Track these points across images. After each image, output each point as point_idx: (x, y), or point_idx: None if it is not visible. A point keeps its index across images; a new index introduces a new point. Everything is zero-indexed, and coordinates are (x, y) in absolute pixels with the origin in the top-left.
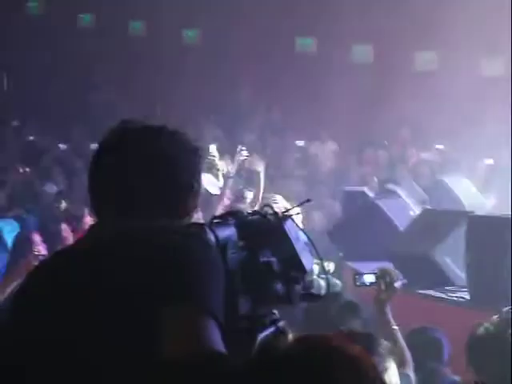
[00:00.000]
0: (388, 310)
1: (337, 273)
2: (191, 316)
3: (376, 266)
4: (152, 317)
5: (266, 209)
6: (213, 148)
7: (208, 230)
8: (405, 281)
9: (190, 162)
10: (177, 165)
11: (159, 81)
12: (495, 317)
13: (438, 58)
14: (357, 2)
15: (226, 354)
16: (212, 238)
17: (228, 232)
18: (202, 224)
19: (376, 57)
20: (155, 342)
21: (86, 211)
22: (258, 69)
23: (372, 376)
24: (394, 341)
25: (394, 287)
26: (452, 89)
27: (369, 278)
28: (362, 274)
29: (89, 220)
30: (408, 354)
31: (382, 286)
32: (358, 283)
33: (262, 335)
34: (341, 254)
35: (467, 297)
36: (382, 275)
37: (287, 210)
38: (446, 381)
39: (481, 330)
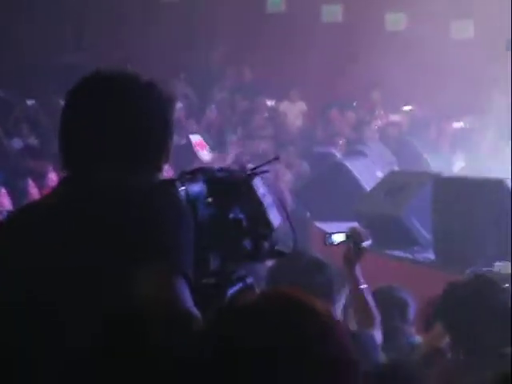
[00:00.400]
0: (357, 269)
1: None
2: (162, 274)
3: (342, 226)
4: (122, 275)
5: (235, 166)
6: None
7: (179, 186)
8: (370, 241)
9: (165, 115)
10: (151, 117)
11: (131, 38)
12: (468, 275)
13: (408, 20)
14: None
15: (194, 312)
16: (183, 193)
17: (198, 188)
18: (173, 179)
19: (345, 17)
20: (126, 301)
21: (51, 168)
22: (229, 27)
23: (335, 330)
24: (363, 300)
25: (363, 247)
26: (421, 50)
27: (338, 238)
28: (331, 234)
29: (53, 176)
30: (377, 313)
31: (350, 246)
32: (327, 243)
33: (230, 291)
34: (308, 214)
35: (433, 257)
36: (351, 235)
37: (255, 168)
38: (411, 340)
39: (455, 288)
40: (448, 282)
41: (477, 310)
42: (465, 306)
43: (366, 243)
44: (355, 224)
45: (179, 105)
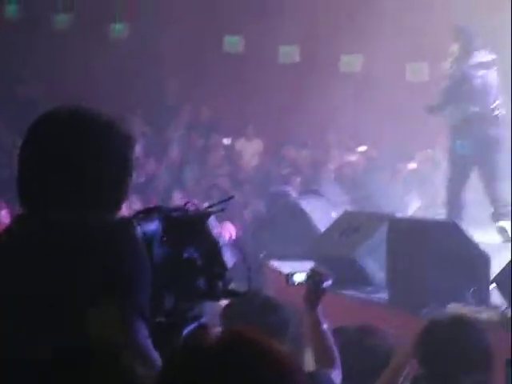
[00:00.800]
0: (319, 309)
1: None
2: (120, 313)
3: (297, 265)
4: (80, 314)
5: (189, 205)
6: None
7: (136, 225)
8: (331, 281)
9: (125, 153)
10: (111, 156)
11: (87, 75)
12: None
13: (365, 62)
14: (284, 2)
15: (152, 352)
16: (139, 232)
17: (153, 227)
18: (129, 218)
19: (302, 57)
20: (83, 339)
21: (3, 205)
22: (187, 65)
23: (292, 370)
24: (324, 340)
25: (323, 288)
26: (378, 92)
27: (299, 278)
28: (292, 274)
29: (5, 213)
30: (337, 354)
31: (311, 286)
32: (289, 283)
33: (185, 330)
34: (263, 253)
35: (387, 297)
36: (312, 275)
37: (210, 207)
38: None
39: (435, 328)
40: (428, 321)
41: (455, 351)
42: (443, 347)
43: (327, 283)
44: (310, 264)
45: (138, 143)
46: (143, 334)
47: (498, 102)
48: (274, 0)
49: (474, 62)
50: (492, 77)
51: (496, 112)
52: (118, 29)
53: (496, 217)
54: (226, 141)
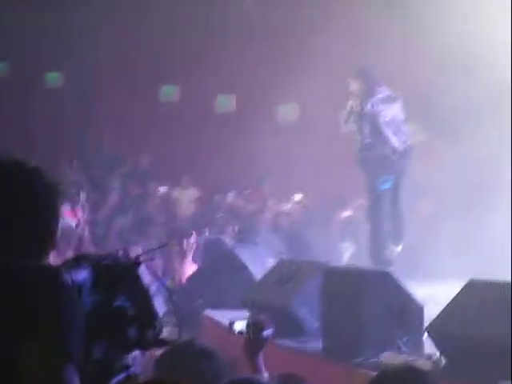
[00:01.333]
0: (259, 358)
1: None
2: (51, 360)
3: (232, 314)
4: (9, 359)
5: (120, 253)
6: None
7: (64, 273)
8: (272, 330)
9: (49, 199)
10: (37, 205)
11: (21, 124)
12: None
13: (300, 111)
14: (221, 53)
15: None
16: (69, 280)
17: (83, 275)
18: (58, 266)
19: (239, 107)
20: None
21: None
22: (124, 114)
23: None
24: None
25: (263, 337)
26: (312, 142)
27: (239, 326)
28: (233, 322)
29: None
30: None
31: (251, 335)
32: (231, 331)
33: (114, 380)
34: (200, 301)
35: (320, 347)
36: (252, 323)
37: (141, 255)
38: None
39: (385, 377)
40: (379, 371)
41: None
42: None
43: (267, 333)
44: (245, 313)
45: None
46: (75, 381)
47: (406, 133)
48: (210, 51)
49: (378, 97)
50: (398, 109)
51: (406, 144)
52: (53, 77)
53: (396, 241)
54: (163, 189)
